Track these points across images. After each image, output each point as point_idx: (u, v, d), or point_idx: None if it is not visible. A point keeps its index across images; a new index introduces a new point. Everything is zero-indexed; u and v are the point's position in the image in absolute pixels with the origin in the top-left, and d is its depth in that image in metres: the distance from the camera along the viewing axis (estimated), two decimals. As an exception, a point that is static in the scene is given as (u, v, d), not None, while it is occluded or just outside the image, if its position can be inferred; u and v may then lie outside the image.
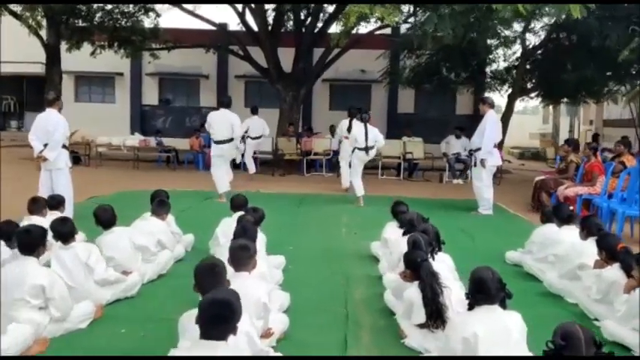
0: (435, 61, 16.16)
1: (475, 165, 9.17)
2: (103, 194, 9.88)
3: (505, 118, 15.72)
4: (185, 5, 15.90)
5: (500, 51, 16.24)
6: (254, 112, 13.92)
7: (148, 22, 16.78)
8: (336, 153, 14.64)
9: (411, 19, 12.43)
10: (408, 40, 15.11)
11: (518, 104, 44.76)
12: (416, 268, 3.87)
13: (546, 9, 9.39)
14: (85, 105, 21.40)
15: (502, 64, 16.65)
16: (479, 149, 9.11)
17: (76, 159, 15.29)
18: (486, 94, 16.74)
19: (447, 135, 14.98)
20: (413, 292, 3.83)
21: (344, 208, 9.44)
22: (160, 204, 5.60)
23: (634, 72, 13.09)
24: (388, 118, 21.55)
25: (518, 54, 16.35)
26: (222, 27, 16.43)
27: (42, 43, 15.60)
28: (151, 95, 21.94)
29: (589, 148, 8.63)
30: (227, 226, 5.74)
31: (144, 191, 10.73)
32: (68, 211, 7.34)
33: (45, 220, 5.39)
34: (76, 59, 16.90)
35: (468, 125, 21.01)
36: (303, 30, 15.53)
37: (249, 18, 16.00)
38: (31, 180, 7.94)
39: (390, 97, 21.73)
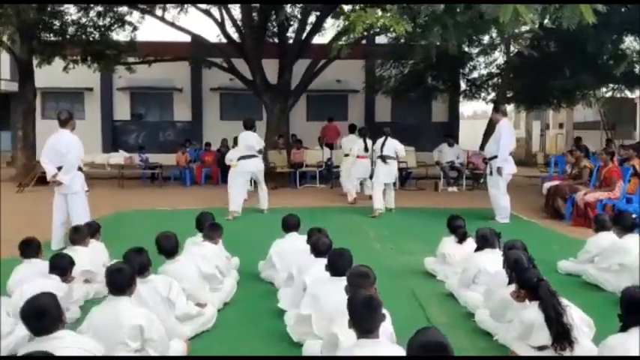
0: (418, 70, 16.22)
1: (491, 173, 9.14)
2: (100, 215, 9.36)
3: (490, 125, 15.91)
4: (166, 16, 15.42)
5: (481, 58, 16.43)
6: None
7: (123, 36, 16.27)
8: (329, 165, 14.54)
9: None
10: (394, 50, 15.22)
11: (482, 110, 45.79)
12: (533, 287, 3.70)
13: (550, 8, 9.37)
14: (53, 122, 20.35)
15: (484, 71, 16.79)
16: (494, 157, 9.10)
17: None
18: (466, 101, 17.01)
19: (424, 142, 15.06)
20: (533, 312, 3.65)
21: (362, 221, 9.26)
22: (213, 228, 5.27)
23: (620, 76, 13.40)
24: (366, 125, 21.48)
25: (500, 60, 16.65)
26: (203, 39, 15.98)
27: (15, 59, 14.87)
28: (122, 110, 21.25)
29: (606, 153, 8.71)
30: (282, 248, 5.49)
31: (143, 211, 10.43)
32: None
33: (88, 250, 5.02)
34: (43, 75, 16.12)
35: (442, 131, 21.47)
36: (290, 41, 15.33)
37: (231, 30, 15.76)
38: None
39: (366, 106, 21.74)
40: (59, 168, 6.95)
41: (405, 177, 14.35)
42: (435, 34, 9.91)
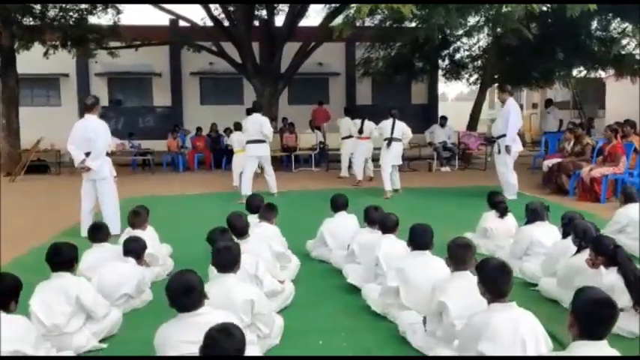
0: (404, 52, 16.40)
1: (499, 152, 9.41)
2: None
3: (477, 107, 16.26)
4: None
5: (464, 39, 16.67)
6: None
7: (105, 20, 15.92)
8: (322, 148, 14.65)
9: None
10: (381, 33, 15.34)
11: (466, 92, 46.30)
12: (611, 254, 3.92)
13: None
14: (27, 109, 19.85)
15: (469, 53, 17.06)
16: (501, 136, 9.37)
17: (43, 168, 14.34)
18: (451, 83, 17.27)
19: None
20: (612, 277, 3.88)
21: (378, 203, 9.39)
22: (268, 209, 5.34)
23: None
24: (347, 111, 21.59)
25: (482, 42, 16.93)
26: (193, 22, 15.79)
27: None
28: (100, 96, 20.56)
29: (610, 130, 9.07)
30: (334, 227, 5.60)
31: (149, 197, 10.32)
32: (116, 224, 6.93)
33: (146, 234, 5.04)
34: (17, 61, 15.63)
35: (422, 113, 21.81)
36: (278, 24, 15.31)
37: (215, 12, 15.60)
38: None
39: (347, 89, 21.87)
40: (87, 154, 6.87)
41: (399, 158, 14.54)
42: (439, 15, 10.06)
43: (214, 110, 20.20)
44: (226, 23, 15.39)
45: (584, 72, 18.41)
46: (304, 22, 16.10)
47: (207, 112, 20.20)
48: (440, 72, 17.67)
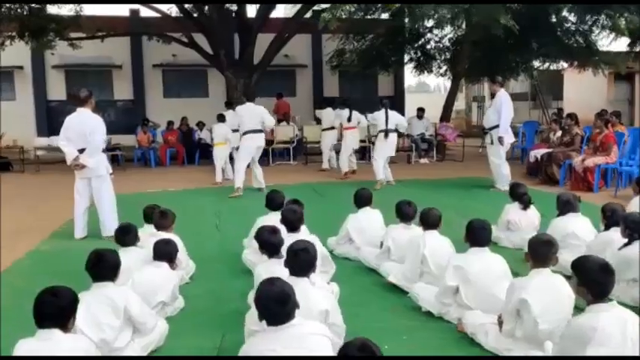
0: (377, 44, 16.30)
1: (492, 143, 9.39)
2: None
3: (449, 100, 16.34)
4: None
5: (436, 31, 16.69)
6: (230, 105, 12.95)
7: (67, 10, 15.15)
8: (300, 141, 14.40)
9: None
10: (354, 25, 15.18)
11: (421, 83, 46.66)
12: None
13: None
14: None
15: (440, 44, 17.08)
16: (494, 127, 9.35)
17: (5, 165, 13.56)
18: (424, 74, 17.37)
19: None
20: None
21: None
22: (293, 204, 5.07)
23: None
24: (314, 103, 21.39)
25: (452, 34, 16.98)
26: (165, 14, 15.23)
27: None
28: (57, 90, 19.80)
29: (600, 119, 9.18)
30: (359, 223, 5.40)
31: (131, 195, 9.85)
32: (114, 224, 6.52)
33: (173, 236, 4.71)
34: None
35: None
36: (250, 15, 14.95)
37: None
38: None
39: (314, 81, 21.61)
40: (80, 151, 6.42)
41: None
42: (428, 6, 9.99)
43: (178, 103, 19.62)
44: (196, 15, 14.88)
45: (547, 64, 18.80)
46: (278, 14, 15.79)
47: (171, 105, 19.57)
48: (411, 64, 17.61)
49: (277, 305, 2.62)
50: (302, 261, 3.29)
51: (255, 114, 9.35)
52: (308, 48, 21.33)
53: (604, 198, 8.49)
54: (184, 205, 8.94)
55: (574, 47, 15.34)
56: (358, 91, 22.07)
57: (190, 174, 12.65)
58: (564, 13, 13.92)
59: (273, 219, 5.25)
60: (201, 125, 15.06)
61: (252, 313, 3.31)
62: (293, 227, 4.38)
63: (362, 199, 5.49)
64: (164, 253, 4.12)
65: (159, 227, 4.78)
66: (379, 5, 13.80)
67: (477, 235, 3.93)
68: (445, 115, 15.96)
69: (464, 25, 14.93)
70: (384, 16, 15.50)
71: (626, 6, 11.15)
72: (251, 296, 4.07)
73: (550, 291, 3.34)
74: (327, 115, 12.41)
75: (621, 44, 21.56)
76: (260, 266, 3.89)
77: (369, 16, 14.82)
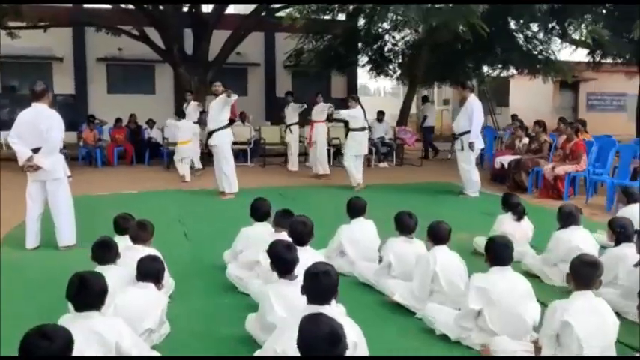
0: (334, 45, 16.05)
1: (462, 149, 9.22)
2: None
3: (406, 104, 16.24)
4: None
5: (395, 34, 16.58)
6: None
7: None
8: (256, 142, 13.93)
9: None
10: (312, 24, 14.83)
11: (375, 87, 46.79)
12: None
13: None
14: None
15: (396, 47, 16.97)
16: (464, 133, 9.18)
17: None
18: (381, 77, 17.25)
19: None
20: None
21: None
22: (285, 215, 4.63)
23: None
24: (266, 102, 20.92)
25: (409, 37, 16.90)
26: (113, 2, 14.39)
27: None
28: (-9, 82, 18.54)
29: (571, 128, 9.16)
30: (353, 235, 5.03)
31: (83, 197, 9.11)
32: (71, 233, 5.92)
33: (153, 250, 4.20)
34: None
35: (342, 107, 21.52)
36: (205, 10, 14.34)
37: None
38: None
39: (267, 80, 21.12)
40: (35, 150, 5.75)
41: (334, 153, 14.15)
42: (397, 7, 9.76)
43: (123, 99, 18.71)
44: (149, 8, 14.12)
45: (499, 71, 19.03)
46: (232, 10, 15.23)
47: (116, 101, 18.64)
48: (368, 66, 17.43)
49: (328, 348, 2.19)
50: (324, 285, 2.87)
51: (221, 105, 8.92)
52: (261, 46, 20.82)
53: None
54: (142, 209, 8.27)
55: (529, 55, 15.56)
56: (312, 92, 21.70)
57: (142, 175, 11.95)
58: (525, 20, 14.02)
59: (260, 230, 4.85)
60: (151, 123, 14.34)
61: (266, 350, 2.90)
62: (302, 241, 3.98)
63: (356, 209, 5.11)
64: (151, 271, 3.60)
65: (136, 240, 4.23)
66: (336, 5, 13.55)
67: (500, 253, 3.63)
68: (402, 119, 15.85)
69: (421, 29, 14.88)
70: (343, 17, 15.30)
71: (591, 16, 11.25)
72: (252, 321, 3.64)
73: (594, 315, 3.09)
74: (292, 110, 12.08)
75: (567, 53, 22.31)
76: (269, 288, 3.44)
77: (327, 16, 14.54)
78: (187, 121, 10.83)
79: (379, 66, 17.01)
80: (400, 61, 17.01)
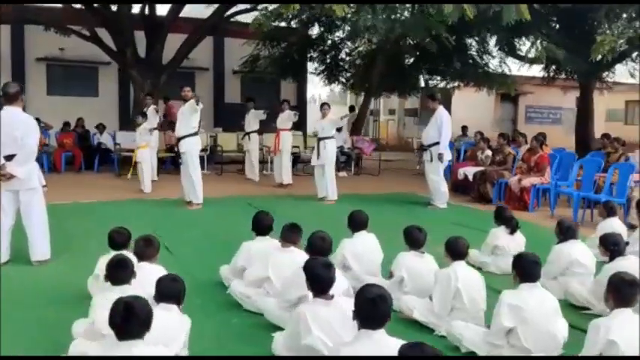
0: (290, 52, 15.96)
1: (431, 160, 9.30)
2: None
3: (362, 113, 16.34)
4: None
5: (349, 43, 16.67)
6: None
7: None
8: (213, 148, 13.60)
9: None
10: (270, 31, 14.70)
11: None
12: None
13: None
14: None
15: (350, 57, 17.07)
16: (433, 144, 9.27)
17: None
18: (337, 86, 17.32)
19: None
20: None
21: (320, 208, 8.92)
22: (293, 229, 4.46)
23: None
24: (215, 109, 20.49)
25: (362, 48, 17.04)
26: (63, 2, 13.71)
27: None
28: None
29: (536, 140, 9.41)
30: (356, 249, 4.90)
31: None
32: (45, 247, 5.55)
33: (160, 268, 3.96)
34: None
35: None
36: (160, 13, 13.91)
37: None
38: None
39: (215, 86, 20.71)
40: (7, 157, 5.32)
41: (293, 162, 14.00)
42: (365, 15, 9.77)
43: (64, 102, 17.89)
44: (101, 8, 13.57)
45: (445, 82, 19.48)
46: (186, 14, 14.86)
47: (56, 103, 17.74)
48: (322, 74, 17.42)
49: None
50: (381, 311, 2.78)
51: (191, 111, 8.64)
52: (209, 51, 20.39)
53: (540, 217, 8.75)
54: (110, 220, 7.85)
55: (478, 68, 16.01)
56: (261, 99, 21.46)
57: (95, 182, 11.42)
58: (476, 37, 14.43)
59: (264, 244, 4.67)
60: (101, 128, 13.73)
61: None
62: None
63: (358, 222, 5.00)
64: (173, 292, 3.36)
65: (142, 257, 3.95)
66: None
67: (529, 269, 3.62)
68: (357, 128, 15.93)
69: (375, 39, 15.03)
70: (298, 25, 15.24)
71: (547, 33, 11.65)
72: (280, 343, 3.46)
73: (635, 333, 3.10)
74: (253, 116, 11.85)
75: (514, 68, 23.12)
76: (305, 309, 3.27)
77: (282, 24, 14.45)
78: (145, 123, 10.43)
79: (333, 75, 17.02)
80: (354, 70, 17.09)
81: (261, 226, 4.76)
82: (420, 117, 27.15)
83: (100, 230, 5.01)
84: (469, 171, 10.33)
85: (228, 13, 14.41)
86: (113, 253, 4.22)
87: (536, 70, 18.26)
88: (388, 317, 2.81)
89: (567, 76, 15.72)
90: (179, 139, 8.74)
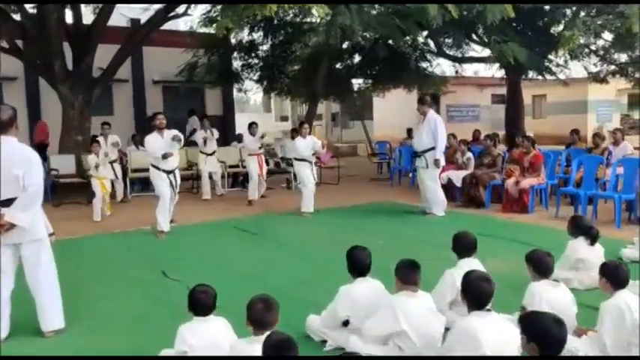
0: (226, 59, 15.02)
1: (427, 166, 8.79)
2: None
3: (309, 120, 15.62)
4: None
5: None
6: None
7: None
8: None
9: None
10: (214, 39, 13.69)
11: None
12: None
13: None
14: None
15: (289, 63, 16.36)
16: (428, 150, 8.77)
17: None
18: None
19: None
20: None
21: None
22: (413, 267, 3.69)
23: None
24: (135, 120, 18.92)
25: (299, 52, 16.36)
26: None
27: None
28: None
29: (528, 141, 9.16)
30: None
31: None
32: (58, 313, 4.39)
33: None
34: None
35: (218, 125, 20.37)
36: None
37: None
38: None
39: (135, 96, 19.16)
40: (5, 202, 4.10)
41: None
42: (344, 15, 9.14)
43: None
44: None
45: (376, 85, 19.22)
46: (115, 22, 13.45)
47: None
48: (261, 83, 16.55)
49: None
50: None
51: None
52: (127, 61, 18.76)
53: (540, 218, 8.50)
54: (89, 255, 6.81)
55: (412, 71, 15.89)
56: (184, 110, 20.15)
57: (53, 213, 9.84)
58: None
59: (368, 287, 3.87)
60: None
61: None
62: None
63: (358, 266, 3.93)
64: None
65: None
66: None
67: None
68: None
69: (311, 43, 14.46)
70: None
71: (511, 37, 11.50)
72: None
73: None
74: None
75: (440, 69, 23.38)
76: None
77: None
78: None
79: (274, 81, 16.20)
80: (292, 77, 16.41)
81: (360, 265, 3.94)
82: (340, 121, 27.01)
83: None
84: (454, 175, 9.94)
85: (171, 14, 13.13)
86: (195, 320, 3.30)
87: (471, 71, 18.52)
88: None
89: (534, 76, 15.82)
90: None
